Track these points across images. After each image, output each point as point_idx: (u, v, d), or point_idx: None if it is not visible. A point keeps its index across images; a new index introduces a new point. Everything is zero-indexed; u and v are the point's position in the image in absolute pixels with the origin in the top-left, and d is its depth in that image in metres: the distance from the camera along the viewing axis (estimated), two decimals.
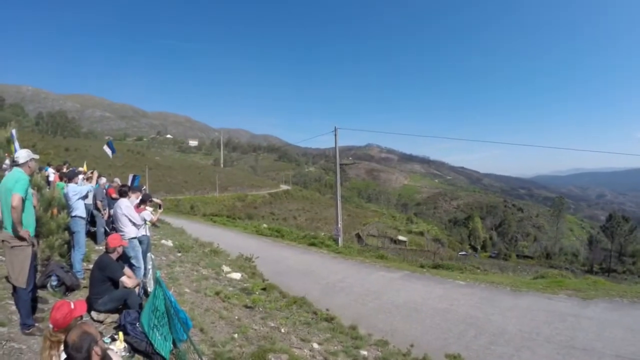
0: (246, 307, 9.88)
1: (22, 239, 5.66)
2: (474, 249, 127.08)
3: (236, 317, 8.90)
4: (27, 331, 5.74)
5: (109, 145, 19.06)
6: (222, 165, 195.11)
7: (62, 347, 3.77)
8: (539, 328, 9.62)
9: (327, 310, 10.79)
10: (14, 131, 11.75)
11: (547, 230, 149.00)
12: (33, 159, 6.20)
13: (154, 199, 11.49)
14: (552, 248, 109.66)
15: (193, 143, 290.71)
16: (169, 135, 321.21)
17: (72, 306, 4.13)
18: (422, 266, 19.36)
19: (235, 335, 7.69)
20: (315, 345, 8.04)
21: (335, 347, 8.15)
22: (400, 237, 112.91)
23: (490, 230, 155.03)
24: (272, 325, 8.86)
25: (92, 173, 11.63)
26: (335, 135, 28.10)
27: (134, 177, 20.24)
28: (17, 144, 11.47)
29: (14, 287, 5.83)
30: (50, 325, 3.98)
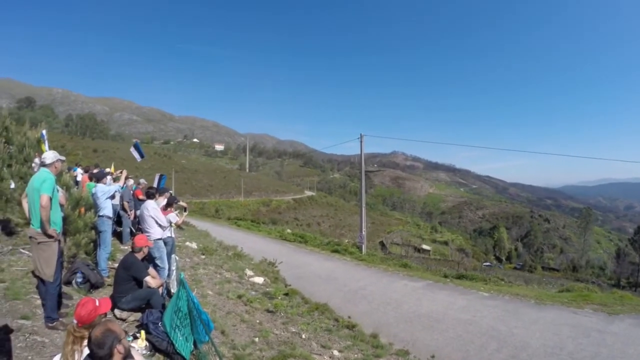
0: (268, 311, 9.90)
1: (50, 236, 5.82)
2: (499, 259, 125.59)
3: (257, 321, 8.92)
4: (51, 324, 5.86)
5: (137, 147, 19.05)
6: (247, 170, 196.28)
7: (85, 343, 3.81)
8: (562, 343, 9.38)
9: (349, 317, 10.74)
10: (44, 132, 12.00)
11: (573, 242, 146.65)
12: (59, 160, 6.42)
13: (180, 202, 11.59)
14: (579, 261, 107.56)
15: (219, 147, 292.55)
16: (195, 139, 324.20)
17: (97, 303, 4.17)
18: (445, 276, 19.11)
19: (256, 339, 7.70)
20: (336, 353, 8.00)
21: (356, 355, 8.11)
22: (424, 246, 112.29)
23: (516, 241, 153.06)
24: (293, 330, 8.86)
25: (120, 173, 11.76)
26: (361, 142, 28.02)
27: (161, 176, 20.34)
28: (47, 145, 11.72)
29: (40, 282, 5.97)
30: (75, 321, 4.02)
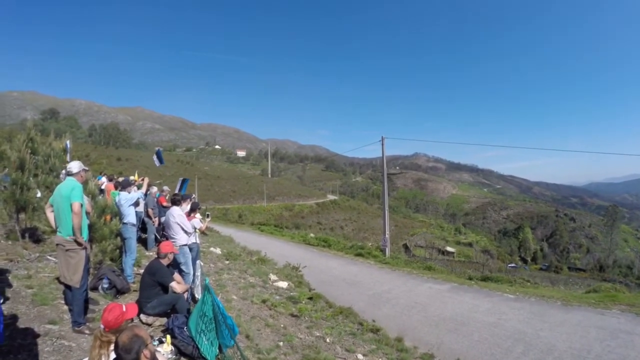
0: (292, 315, 9.90)
1: (79, 243, 5.93)
2: (524, 261, 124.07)
3: (282, 326, 8.93)
4: (78, 329, 5.98)
5: (158, 154, 19.29)
6: (269, 175, 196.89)
7: (111, 347, 3.88)
8: (589, 345, 9.18)
9: (373, 321, 10.67)
10: (68, 142, 12.22)
11: (600, 241, 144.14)
12: (84, 169, 6.61)
13: (201, 208, 11.66)
14: (606, 260, 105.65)
15: (241, 153, 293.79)
16: (217, 146, 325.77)
17: (124, 309, 4.23)
18: (470, 278, 18.94)
19: (281, 343, 7.71)
20: (360, 357, 7.98)
21: (381, 359, 8.08)
22: (448, 248, 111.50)
23: (541, 241, 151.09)
24: (318, 334, 8.83)
25: (142, 180, 11.91)
26: (383, 144, 27.93)
27: (183, 180, 20.48)
28: (69, 156, 11.96)
29: (66, 288, 6.09)
30: (102, 326, 4.09)
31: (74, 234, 5.95)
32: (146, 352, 3.44)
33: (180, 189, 19.95)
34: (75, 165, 6.47)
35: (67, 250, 6.00)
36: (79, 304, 6.02)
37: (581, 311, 12.01)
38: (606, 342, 9.35)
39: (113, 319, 4.07)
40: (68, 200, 5.95)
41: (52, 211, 6.26)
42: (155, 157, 19.08)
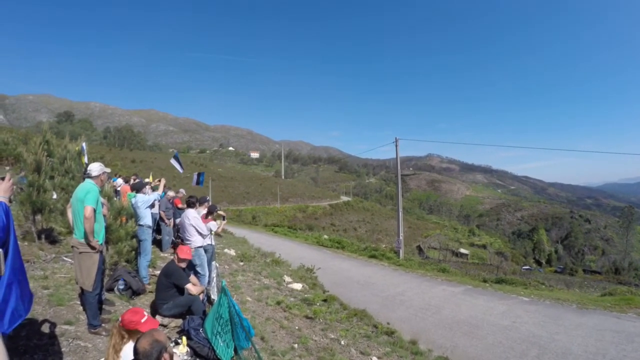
0: (307, 317, 9.89)
1: (92, 247, 5.92)
2: (539, 263, 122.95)
3: (297, 328, 8.93)
4: (94, 331, 6.00)
5: (176, 158, 19.29)
6: (283, 177, 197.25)
7: (124, 342, 3.97)
8: (605, 349, 9.10)
9: (388, 323, 10.65)
10: (84, 144, 12.30)
11: (616, 242, 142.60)
12: (105, 172, 6.50)
13: (219, 211, 11.68)
14: (621, 262, 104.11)
15: (254, 155, 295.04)
16: (231, 148, 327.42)
17: (144, 319, 4.24)
18: (484, 280, 18.83)
19: (295, 346, 7.70)
20: (375, 359, 7.95)
21: None
22: (462, 250, 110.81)
23: (556, 243, 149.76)
24: (332, 337, 8.82)
25: (158, 181, 11.94)
26: (396, 145, 27.89)
27: (199, 174, 20.54)
28: (86, 157, 12.01)
29: (82, 290, 6.08)
30: (119, 319, 4.18)
31: (85, 238, 5.95)
32: (166, 356, 3.45)
33: (197, 182, 20.11)
34: (95, 168, 6.32)
35: (80, 252, 5.99)
36: (92, 308, 6.03)
37: (596, 314, 11.95)
38: (622, 346, 9.29)
39: (129, 321, 4.12)
40: (82, 203, 5.90)
41: (72, 211, 6.27)
42: (174, 161, 19.02)
